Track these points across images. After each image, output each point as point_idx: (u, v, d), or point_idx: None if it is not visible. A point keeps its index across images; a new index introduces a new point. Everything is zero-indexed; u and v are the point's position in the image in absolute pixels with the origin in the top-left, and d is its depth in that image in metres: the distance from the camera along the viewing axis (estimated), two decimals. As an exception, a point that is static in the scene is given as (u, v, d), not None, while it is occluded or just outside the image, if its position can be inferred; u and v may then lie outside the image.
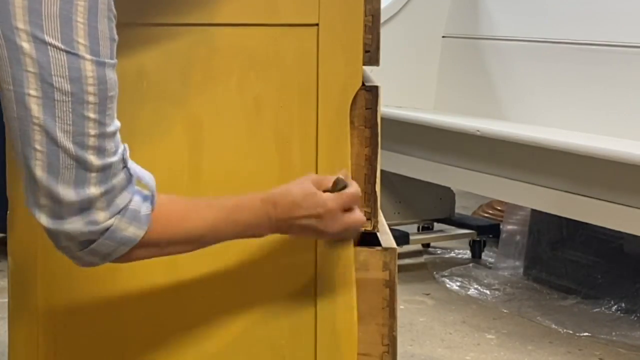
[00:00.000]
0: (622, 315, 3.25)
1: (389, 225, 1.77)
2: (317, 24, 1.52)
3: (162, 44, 1.53)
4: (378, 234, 1.58)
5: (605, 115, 3.14)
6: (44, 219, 1.23)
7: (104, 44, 1.20)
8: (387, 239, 1.60)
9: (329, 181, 1.42)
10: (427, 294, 3.52)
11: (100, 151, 1.21)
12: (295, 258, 1.54)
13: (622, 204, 2.78)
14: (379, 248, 1.55)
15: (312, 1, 1.51)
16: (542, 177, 3.04)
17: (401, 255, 3.82)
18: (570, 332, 3.11)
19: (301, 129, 1.53)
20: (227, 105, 1.53)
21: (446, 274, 3.73)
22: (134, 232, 1.27)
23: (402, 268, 3.69)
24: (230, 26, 1.52)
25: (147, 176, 1.30)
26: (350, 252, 1.53)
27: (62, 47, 1.16)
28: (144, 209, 1.28)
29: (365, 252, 1.54)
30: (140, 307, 1.55)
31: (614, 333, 3.10)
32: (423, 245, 4.09)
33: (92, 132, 1.20)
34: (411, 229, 3.98)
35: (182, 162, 1.54)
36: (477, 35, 3.69)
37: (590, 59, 3.22)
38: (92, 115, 1.19)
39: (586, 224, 3.24)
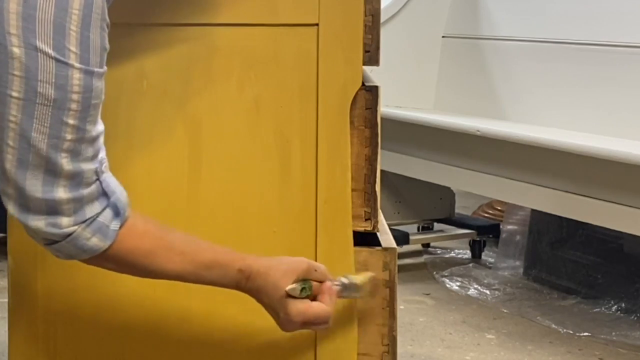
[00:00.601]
0: (622, 315, 3.25)
1: (389, 225, 1.77)
2: (317, 24, 1.52)
3: (162, 44, 1.52)
4: (378, 234, 1.58)
5: (605, 115, 3.13)
6: (10, 207, 1.25)
7: (95, 52, 1.21)
8: (387, 239, 1.60)
9: (320, 272, 1.40)
10: (427, 294, 3.52)
11: (75, 155, 1.21)
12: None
13: (622, 204, 2.78)
14: (379, 248, 1.54)
15: (312, 1, 1.51)
16: (542, 177, 3.04)
17: (401, 255, 3.81)
18: (570, 332, 3.11)
19: (301, 129, 1.53)
20: (227, 105, 1.53)
21: (446, 274, 3.73)
22: (96, 243, 1.27)
23: (402, 268, 3.69)
24: (230, 26, 1.52)
25: (119, 192, 1.29)
26: (350, 252, 1.53)
27: (53, 54, 1.17)
28: (114, 224, 1.28)
29: (365, 252, 1.54)
30: (140, 307, 1.55)
31: (614, 333, 3.09)
32: (423, 245, 4.09)
33: (69, 136, 1.20)
34: (411, 229, 3.98)
35: (182, 162, 1.54)
36: (477, 35, 3.69)
37: (590, 59, 3.22)
38: (71, 121, 1.20)
39: (586, 224, 3.24)
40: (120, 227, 1.28)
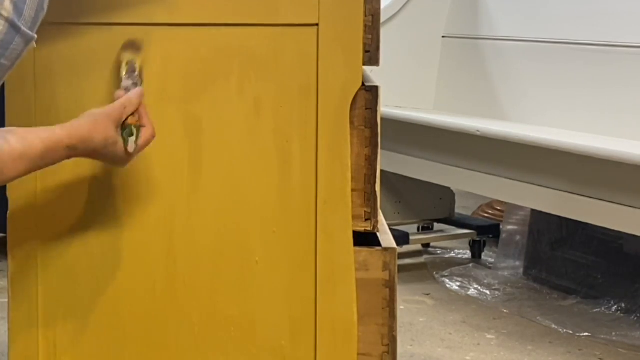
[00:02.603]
0: (622, 315, 3.25)
1: (389, 225, 1.77)
2: (317, 24, 1.52)
3: (162, 44, 1.53)
4: (378, 234, 1.58)
5: (605, 115, 3.13)
6: None
7: (30, 10, 1.19)
8: (387, 239, 1.60)
9: (128, 105, 1.43)
10: (427, 294, 3.52)
11: None
12: (296, 258, 1.54)
13: (622, 204, 2.78)
14: (379, 248, 1.55)
15: (312, 1, 1.51)
16: (542, 177, 3.04)
17: (401, 255, 3.81)
18: (570, 332, 3.11)
19: (301, 129, 1.53)
20: (227, 105, 1.53)
21: (446, 274, 3.73)
22: None
23: (402, 268, 3.69)
24: (230, 26, 1.52)
25: None
26: (351, 252, 1.53)
27: None
28: None
29: (365, 252, 1.54)
30: (139, 308, 1.55)
31: (614, 333, 3.09)
32: (423, 245, 4.09)
33: None
34: (411, 229, 3.98)
35: (182, 162, 1.54)
36: (477, 35, 3.69)
37: (590, 59, 3.22)
38: None
39: (586, 224, 3.23)
40: None
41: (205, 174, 1.54)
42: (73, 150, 1.37)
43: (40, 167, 1.36)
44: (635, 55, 3.08)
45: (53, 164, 1.37)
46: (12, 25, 1.18)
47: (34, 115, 1.53)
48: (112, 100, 1.44)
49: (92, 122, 1.39)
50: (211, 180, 1.54)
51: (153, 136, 1.46)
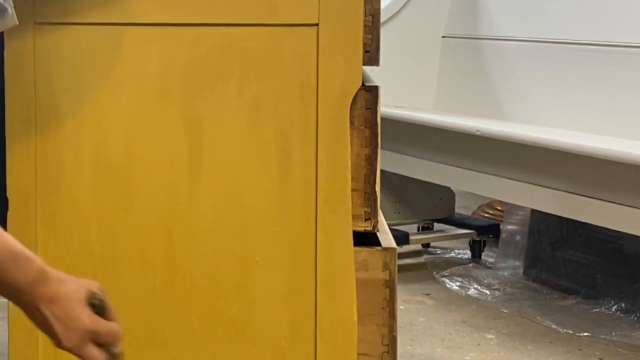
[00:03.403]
0: (622, 315, 3.25)
1: (389, 225, 1.77)
2: (317, 24, 1.52)
3: (162, 44, 1.53)
4: (378, 234, 1.58)
5: (605, 115, 3.13)
6: None
7: None
8: (387, 239, 1.60)
9: (105, 303, 1.29)
10: (427, 294, 3.52)
11: None
12: (296, 258, 1.54)
13: (622, 204, 2.78)
14: (379, 248, 1.55)
15: (312, 1, 1.51)
16: (542, 177, 3.04)
17: (401, 255, 3.81)
18: (570, 332, 3.11)
19: (301, 129, 1.53)
20: (227, 105, 1.53)
21: (446, 274, 3.73)
22: None
23: (402, 268, 3.69)
24: (230, 26, 1.53)
25: None
26: (350, 252, 1.53)
27: None
28: None
29: (365, 252, 1.54)
30: (139, 307, 1.55)
31: (614, 333, 3.09)
32: (423, 245, 4.09)
33: None
34: (411, 229, 3.98)
35: (182, 162, 1.54)
36: (477, 35, 3.69)
37: (590, 59, 3.22)
38: None
39: (586, 224, 3.23)
40: None
41: (205, 173, 1.54)
42: (42, 276, 1.24)
43: (5, 272, 1.22)
44: (635, 55, 3.08)
45: (14, 279, 1.23)
46: None
47: (34, 115, 1.53)
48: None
49: (65, 275, 1.27)
50: (211, 180, 1.54)
51: (119, 335, 1.27)
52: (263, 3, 1.52)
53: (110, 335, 1.27)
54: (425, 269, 3.85)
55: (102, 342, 1.26)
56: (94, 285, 1.28)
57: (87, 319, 1.26)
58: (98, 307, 1.26)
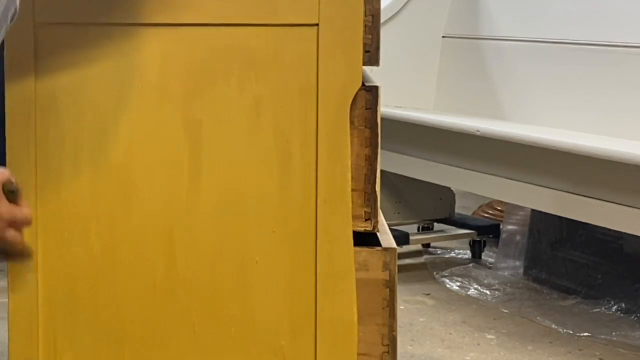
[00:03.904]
0: (622, 315, 3.25)
1: (389, 225, 1.76)
2: (317, 24, 1.52)
3: (162, 44, 1.53)
4: (378, 234, 1.58)
5: (605, 115, 3.13)
6: None
7: None
8: (387, 239, 1.60)
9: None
10: (427, 294, 3.52)
11: None
12: (296, 258, 1.54)
13: (622, 204, 2.78)
14: (379, 248, 1.55)
15: (312, 1, 1.51)
16: (542, 177, 3.04)
17: (401, 255, 3.81)
18: (570, 332, 3.11)
19: (301, 129, 1.53)
20: (227, 105, 1.53)
21: (446, 274, 3.73)
22: None
23: (402, 268, 3.69)
24: (230, 26, 1.52)
25: None
26: (351, 252, 1.53)
27: None
28: None
29: (365, 252, 1.54)
30: (139, 307, 1.55)
31: (614, 333, 3.09)
32: (423, 245, 4.09)
33: None
34: (411, 229, 3.98)
35: (182, 162, 1.54)
36: (477, 35, 3.69)
37: (590, 59, 3.22)
38: None
39: (586, 224, 3.24)
40: None
41: (205, 173, 1.54)
42: None
43: None
44: (635, 55, 3.08)
45: None
46: None
47: (34, 115, 1.53)
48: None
49: None
50: (211, 180, 1.54)
51: (30, 217, 1.35)
52: (263, 3, 1.52)
53: (25, 220, 1.34)
54: (425, 269, 3.86)
55: (19, 227, 1.33)
56: (5, 173, 1.33)
57: (4, 207, 1.31)
58: (11, 194, 1.32)
